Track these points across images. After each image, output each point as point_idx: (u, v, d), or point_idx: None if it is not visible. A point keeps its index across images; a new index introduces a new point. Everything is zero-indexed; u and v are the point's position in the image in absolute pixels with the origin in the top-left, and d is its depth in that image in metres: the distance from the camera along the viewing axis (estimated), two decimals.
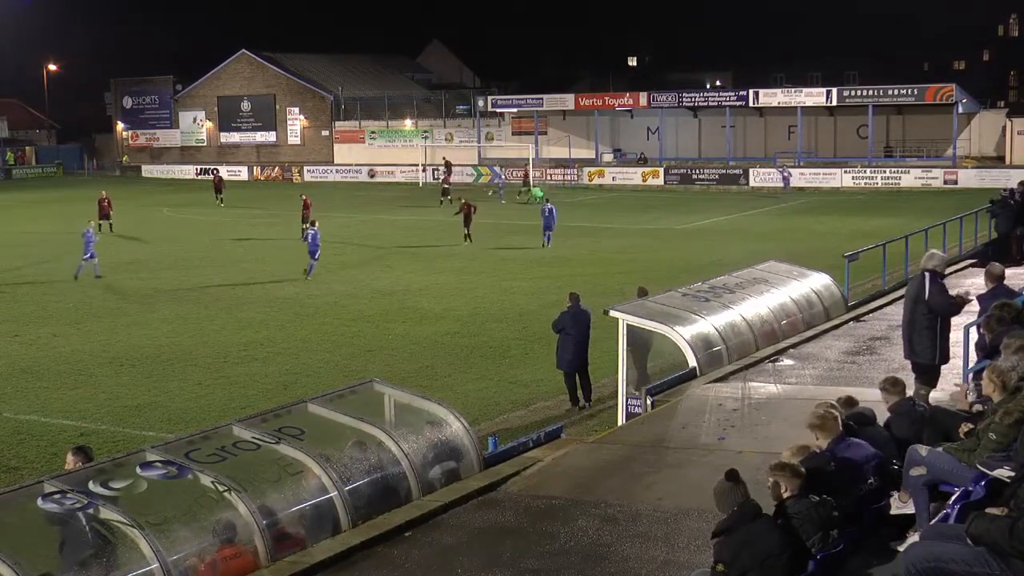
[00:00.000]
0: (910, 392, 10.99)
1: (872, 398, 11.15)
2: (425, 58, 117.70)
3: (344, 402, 12.99)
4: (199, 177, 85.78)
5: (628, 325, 17.92)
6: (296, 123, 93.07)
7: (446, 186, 63.50)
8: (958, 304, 13.67)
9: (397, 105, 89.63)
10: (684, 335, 17.71)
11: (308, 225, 39.91)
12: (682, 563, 9.77)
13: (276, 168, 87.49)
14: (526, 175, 69.21)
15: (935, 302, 13.43)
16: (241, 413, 13.33)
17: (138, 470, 10.57)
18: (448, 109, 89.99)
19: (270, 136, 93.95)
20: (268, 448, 11.38)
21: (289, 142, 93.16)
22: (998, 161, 68.75)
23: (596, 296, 24.52)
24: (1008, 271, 23.04)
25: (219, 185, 65.61)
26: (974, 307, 14.62)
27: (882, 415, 10.16)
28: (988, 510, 6.18)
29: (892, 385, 10.15)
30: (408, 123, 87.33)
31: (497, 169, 67.59)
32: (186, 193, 68.94)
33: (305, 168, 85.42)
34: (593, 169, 75.56)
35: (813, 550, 7.85)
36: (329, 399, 12.96)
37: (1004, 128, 70.33)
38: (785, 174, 64.69)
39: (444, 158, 75.02)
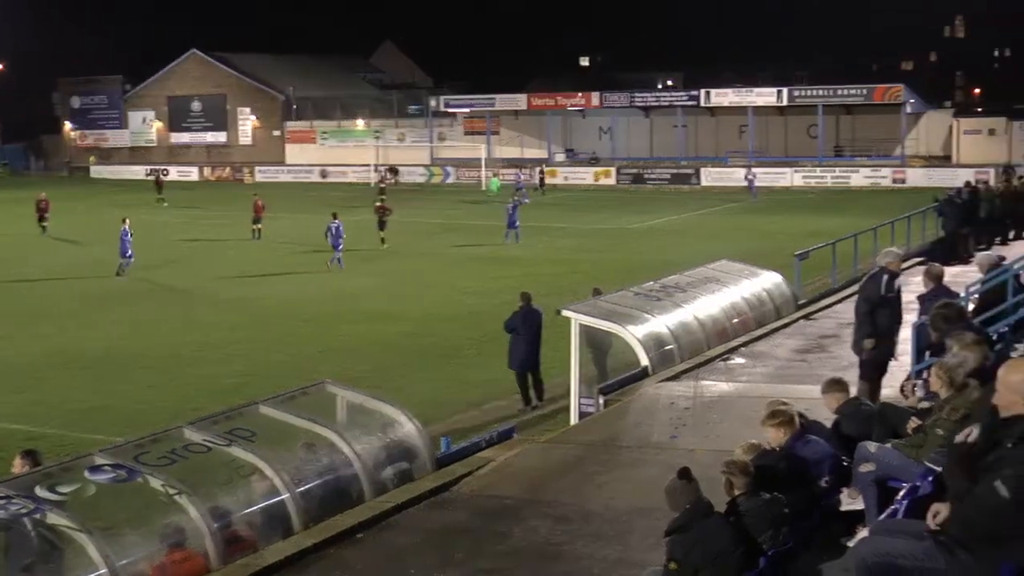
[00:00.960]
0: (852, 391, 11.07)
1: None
2: (378, 58, 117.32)
3: (296, 404, 12.91)
4: (148, 178, 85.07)
5: (582, 325, 17.96)
6: (247, 123, 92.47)
7: (383, 185, 63.50)
8: (862, 331, 13.88)
9: (349, 105, 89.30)
10: (636, 334, 17.76)
11: (331, 218, 39.72)
12: (635, 561, 9.79)
13: (227, 168, 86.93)
14: (542, 175, 68.83)
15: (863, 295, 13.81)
16: (194, 415, 13.20)
17: (86, 474, 10.44)
18: (400, 109, 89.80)
19: (221, 136, 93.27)
20: (219, 450, 11.28)
21: (240, 142, 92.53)
22: (945, 160, 69.57)
23: (549, 296, 24.56)
24: (955, 269, 23.42)
25: (159, 184, 65.64)
26: (915, 305, 14.80)
27: (823, 417, 10.21)
28: (935, 505, 6.24)
29: (835, 386, 10.23)
30: (360, 123, 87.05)
31: (518, 171, 67.39)
32: (136, 193, 68.23)
33: (256, 168, 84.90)
34: (546, 169, 75.65)
35: (764, 547, 7.90)
36: (281, 401, 12.87)
37: (951, 128, 71.17)
38: (750, 177, 63.48)
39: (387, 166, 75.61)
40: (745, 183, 63.88)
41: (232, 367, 23.68)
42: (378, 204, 44.24)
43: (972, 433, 5.93)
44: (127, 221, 38.50)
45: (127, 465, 10.61)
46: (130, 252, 37.08)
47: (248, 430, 11.74)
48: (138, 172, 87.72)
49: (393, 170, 77.72)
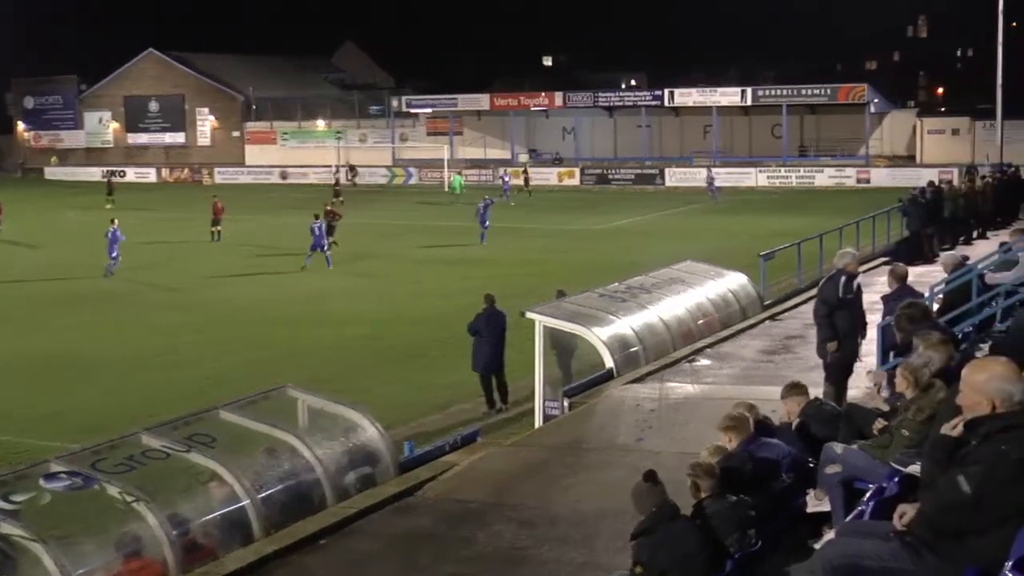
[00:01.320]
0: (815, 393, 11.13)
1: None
2: (339, 58, 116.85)
3: (257, 408, 12.86)
4: (105, 180, 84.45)
5: (546, 327, 17.96)
6: (206, 124, 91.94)
7: (338, 187, 63.20)
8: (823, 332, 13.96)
9: (310, 106, 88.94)
10: (601, 336, 17.78)
11: (316, 218, 39.48)
12: (601, 565, 9.79)
13: (185, 170, 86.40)
14: (526, 176, 68.21)
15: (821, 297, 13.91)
16: (155, 420, 13.11)
17: (41, 482, 10.33)
18: (362, 109, 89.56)
19: (179, 137, 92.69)
20: (178, 456, 11.20)
21: (199, 143, 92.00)
22: (909, 160, 70.17)
23: (513, 297, 24.53)
24: (920, 269, 23.63)
25: (111, 186, 65.26)
26: (879, 306, 14.89)
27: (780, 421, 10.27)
28: (901, 506, 6.27)
29: (794, 389, 10.28)
30: (321, 124, 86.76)
31: (502, 171, 66.71)
32: (92, 195, 67.66)
33: (215, 170, 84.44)
34: (509, 170, 75.59)
35: (731, 550, 7.92)
36: (241, 406, 12.82)
37: (915, 128, 71.79)
38: (711, 179, 63.64)
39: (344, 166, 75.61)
40: (706, 184, 63.97)
41: (193, 371, 23.52)
42: (328, 207, 43.34)
43: (959, 426, 5.94)
44: (115, 221, 38.56)
45: (84, 472, 10.50)
46: (116, 252, 37.26)
47: (208, 435, 11.68)
48: (94, 174, 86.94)
49: (352, 169, 77.56)
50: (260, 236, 47.20)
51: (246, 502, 10.97)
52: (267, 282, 35.48)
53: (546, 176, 74.46)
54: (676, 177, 70.83)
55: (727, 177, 69.40)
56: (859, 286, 14.19)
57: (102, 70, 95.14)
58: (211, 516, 10.93)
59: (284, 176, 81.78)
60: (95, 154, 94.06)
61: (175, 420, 12.47)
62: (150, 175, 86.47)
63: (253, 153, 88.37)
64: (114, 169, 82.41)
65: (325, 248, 38.01)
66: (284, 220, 53.03)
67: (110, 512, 10.26)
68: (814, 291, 22.59)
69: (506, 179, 64.92)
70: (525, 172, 68.45)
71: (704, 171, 66.28)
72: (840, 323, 13.83)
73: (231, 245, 44.25)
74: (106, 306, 31.58)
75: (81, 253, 42.66)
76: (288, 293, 33.27)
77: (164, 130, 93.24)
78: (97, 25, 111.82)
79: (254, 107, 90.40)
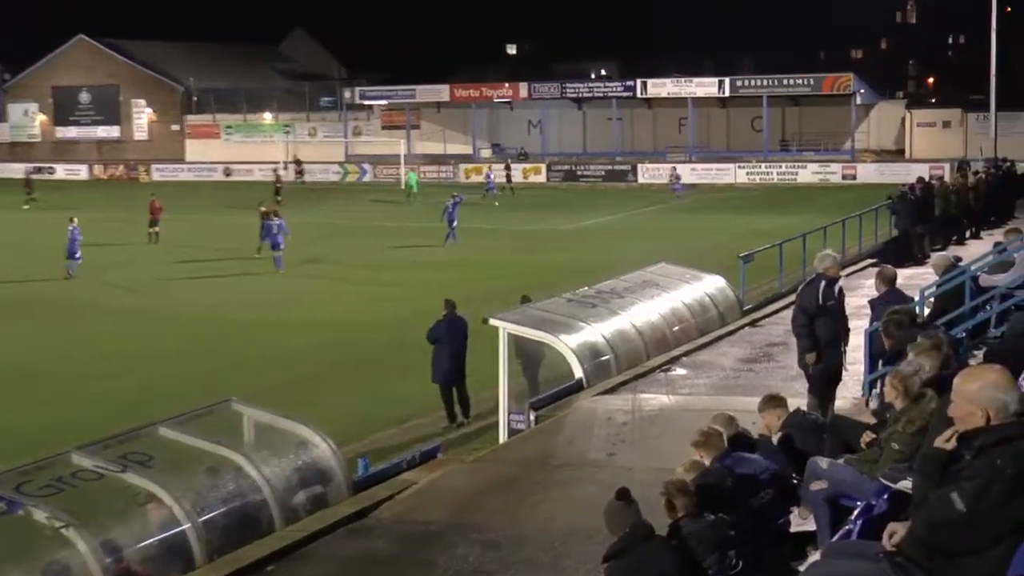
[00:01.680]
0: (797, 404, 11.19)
1: None
2: (287, 46, 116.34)
3: (199, 424, 12.82)
4: (34, 176, 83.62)
5: (511, 335, 17.96)
6: (143, 117, 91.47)
7: (279, 185, 62.37)
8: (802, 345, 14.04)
9: (256, 97, 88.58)
10: (569, 344, 17.80)
11: (272, 217, 39.17)
12: None
13: (120, 166, 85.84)
14: (508, 172, 67.85)
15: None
16: (93, 436, 13.00)
17: None
18: (312, 101, 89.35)
19: (113, 131, 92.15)
20: (112, 477, 11.13)
21: (135, 137, 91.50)
22: (898, 155, 70.74)
23: (475, 302, 24.48)
24: (909, 271, 23.82)
25: (28, 184, 64.82)
26: (867, 311, 14.97)
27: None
28: (891, 525, 6.30)
29: (772, 402, 10.32)
30: (268, 117, 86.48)
31: (489, 172, 66.15)
32: (14, 195, 67.00)
33: (153, 166, 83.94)
34: (470, 166, 75.68)
35: (710, 572, 7.93)
36: (182, 421, 12.77)
37: (904, 120, 72.43)
38: (678, 181, 63.77)
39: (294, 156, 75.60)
40: (669, 181, 64.02)
41: (130, 383, 23.36)
42: (263, 208, 42.27)
43: (951, 439, 5.96)
44: (75, 220, 38.47)
45: (7, 496, 10.40)
46: (79, 253, 37.42)
47: (145, 454, 11.63)
48: (19, 170, 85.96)
49: (298, 165, 77.31)
50: (202, 238, 46.93)
51: (186, 526, 10.90)
52: (210, 286, 35.31)
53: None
54: (649, 174, 71.09)
55: (703, 174, 69.69)
56: (841, 290, 14.21)
57: (28, 58, 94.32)
58: (148, 541, 10.86)
59: (228, 173, 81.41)
60: (20, 149, 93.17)
61: (109, 438, 12.39)
62: (81, 172, 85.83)
63: (194, 148, 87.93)
64: (40, 165, 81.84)
65: (281, 246, 37.88)
66: (228, 220, 52.80)
67: (37, 539, 10.16)
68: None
69: (491, 177, 64.61)
70: (507, 169, 68.30)
71: (684, 167, 66.48)
72: (821, 331, 13.79)
73: (170, 247, 43.96)
74: (39, 313, 31.32)
75: (10, 256, 42.27)
76: (233, 298, 33.11)
77: (96, 123, 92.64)
78: (23, 8, 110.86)
79: (195, 99, 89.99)
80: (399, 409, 21.11)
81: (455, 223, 43.80)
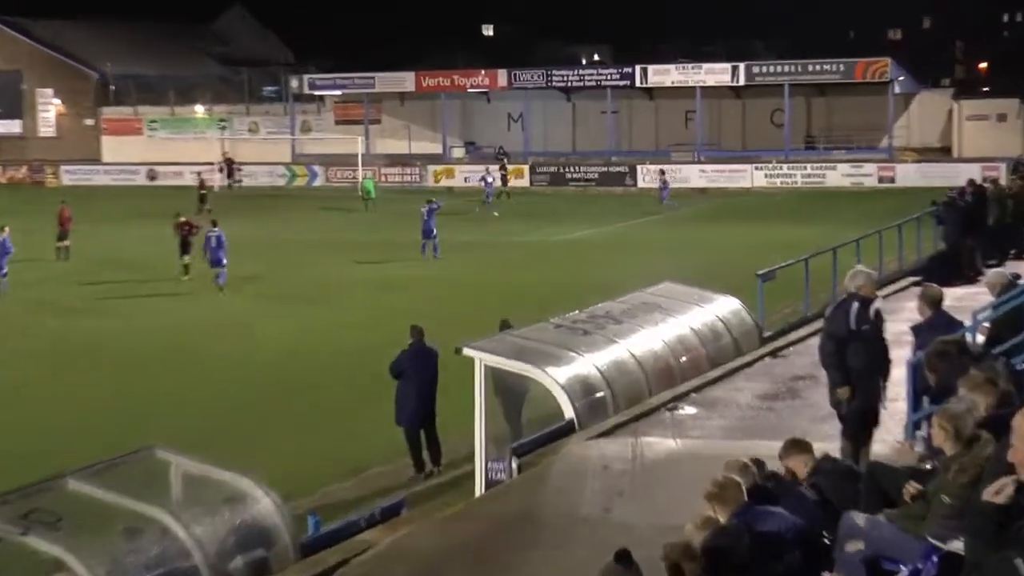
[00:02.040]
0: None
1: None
2: (223, 27, 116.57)
3: (117, 475, 12.78)
4: None
5: (489, 367, 17.93)
6: (50, 109, 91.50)
7: (203, 191, 62.26)
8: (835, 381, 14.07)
9: (185, 87, 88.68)
10: (558, 378, 17.77)
11: (213, 225, 39.23)
12: None
13: (23, 168, 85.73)
14: (504, 176, 68.08)
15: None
16: None
17: None
18: (253, 92, 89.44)
19: (14, 126, 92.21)
20: (12, 541, 11.06)
21: (40, 133, 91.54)
22: (943, 153, 71.03)
23: (447, 328, 24.46)
24: (959, 291, 23.87)
25: None
26: (909, 337, 14.96)
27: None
28: None
29: (795, 448, 10.33)
30: (200, 110, 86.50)
31: (486, 175, 65.75)
32: None
33: (63, 168, 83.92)
34: (440, 167, 75.76)
35: None
36: (96, 472, 12.73)
37: (950, 112, 72.74)
38: (666, 186, 63.29)
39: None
40: (658, 185, 64.17)
41: (35, 426, 23.26)
42: (181, 220, 41.63)
43: (1005, 489, 5.92)
44: (6, 229, 39.04)
45: None
46: (5, 269, 38.24)
47: (52, 512, 11.57)
48: None
49: (229, 165, 77.19)
50: (122, 253, 46.80)
51: None
52: (132, 310, 35.18)
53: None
54: (650, 176, 71.16)
55: (714, 176, 69.90)
56: (878, 313, 14.19)
57: None
58: None
59: (152, 176, 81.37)
60: None
61: (9, 493, 12.30)
62: None
63: (112, 147, 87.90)
64: None
65: (223, 262, 37.94)
66: (152, 232, 52.64)
67: None
68: None
69: (490, 182, 64.55)
70: (503, 169, 68.39)
71: (694, 167, 66.65)
72: (854, 362, 13.78)
73: (83, 263, 43.89)
74: None
75: None
76: (158, 323, 33.02)
77: None
78: None
79: (113, 88, 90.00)
80: (356, 456, 21.07)
81: (435, 233, 43.76)
